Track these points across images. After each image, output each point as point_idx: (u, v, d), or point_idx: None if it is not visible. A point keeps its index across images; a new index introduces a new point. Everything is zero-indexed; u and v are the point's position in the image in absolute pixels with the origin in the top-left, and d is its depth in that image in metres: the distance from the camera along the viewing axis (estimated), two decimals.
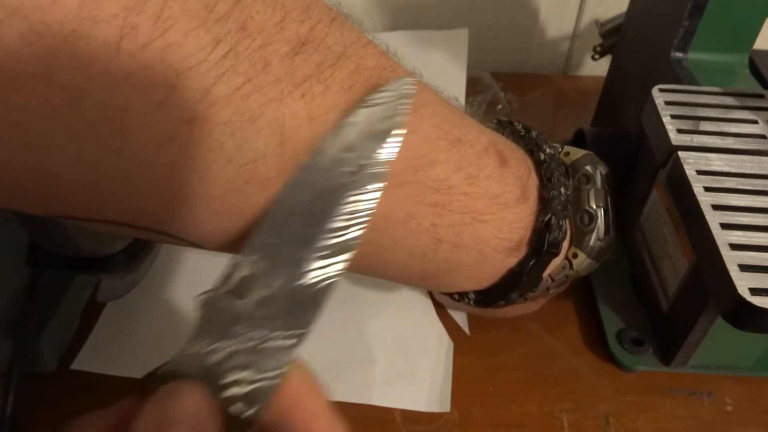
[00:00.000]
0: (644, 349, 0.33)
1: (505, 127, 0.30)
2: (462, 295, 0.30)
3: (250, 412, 0.17)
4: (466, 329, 0.36)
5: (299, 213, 0.19)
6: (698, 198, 0.28)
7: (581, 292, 0.37)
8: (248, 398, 0.17)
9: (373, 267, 0.25)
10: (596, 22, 0.49)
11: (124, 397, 0.17)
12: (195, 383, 0.16)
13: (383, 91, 0.20)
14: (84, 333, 0.35)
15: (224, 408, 0.17)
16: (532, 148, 0.28)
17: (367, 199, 0.19)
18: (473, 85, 0.54)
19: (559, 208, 0.26)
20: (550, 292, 0.32)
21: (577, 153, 0.30)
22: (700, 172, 0.29)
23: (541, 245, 0.26)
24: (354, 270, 0.26)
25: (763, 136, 0.31)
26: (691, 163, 0.30)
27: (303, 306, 0.18)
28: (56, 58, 0.15)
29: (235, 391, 0.17)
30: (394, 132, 0.19)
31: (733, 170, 0.30)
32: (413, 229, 0.23)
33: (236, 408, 0.17)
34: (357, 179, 0.19)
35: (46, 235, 0.28)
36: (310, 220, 0.19)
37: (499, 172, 0.25)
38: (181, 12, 0.16)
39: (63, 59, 0.15)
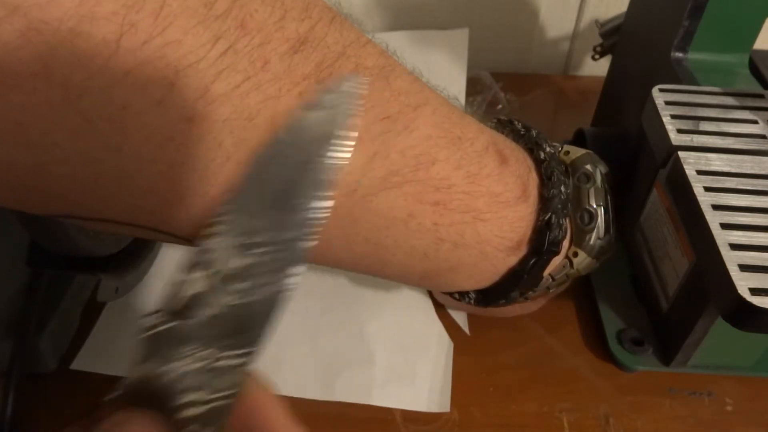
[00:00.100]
0: (644, 349, 0.33)
1: (504, 126, 0.30)
2: (463, 295, 0.30)
3: None
4: (466, 329, 0.36)
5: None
6: (698, 198, 0.28)
7: (581, 292, 0.37)
8: (203, 419, 0.16)
9: (373, 266, 0.25)
10: (596, 22, 0.49)
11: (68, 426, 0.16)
12: (144, 411, 0.16)
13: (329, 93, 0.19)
14: (84, 333, 0.35)
15: (179, 430, 0.16)
16: (531, 147, 0.28)
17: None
18: (473, 85, 0.53)
19: (560, 206, 0.26)
20: (551, 291, 0.32)
21: (577, 152, 0.30)
22: (700, 172, 0.29)
23: (541, 244, 0.26)
24: (354, 270, 0.26)
25: (763, 136, 0.31)
26: (691, 163, 0.30)
27: (251, 323, 0.17)
28: (55, 56, 0.15)
29: (189, 412, 0.16)
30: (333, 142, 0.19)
31: (733, 170, 0.30)
32: (414, 228, 0.23)
33: (191, 429, 0.16)
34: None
35: (47, 235, 0.28)
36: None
37: (500, 171, 0.25)
38: (180, 9, 0.16)
39: (62, 57, 0.15)
